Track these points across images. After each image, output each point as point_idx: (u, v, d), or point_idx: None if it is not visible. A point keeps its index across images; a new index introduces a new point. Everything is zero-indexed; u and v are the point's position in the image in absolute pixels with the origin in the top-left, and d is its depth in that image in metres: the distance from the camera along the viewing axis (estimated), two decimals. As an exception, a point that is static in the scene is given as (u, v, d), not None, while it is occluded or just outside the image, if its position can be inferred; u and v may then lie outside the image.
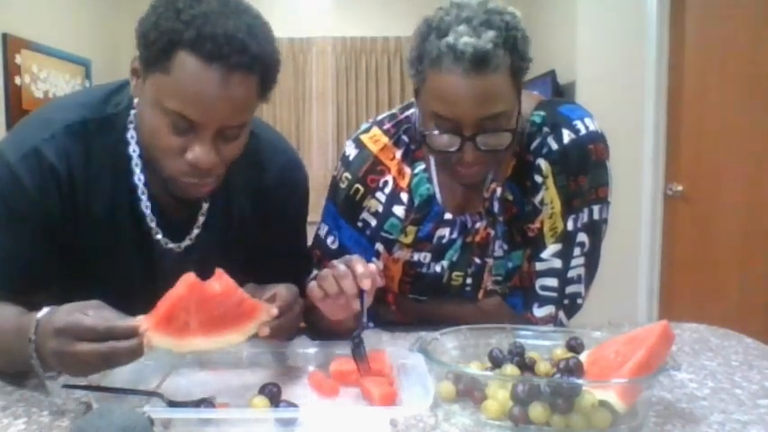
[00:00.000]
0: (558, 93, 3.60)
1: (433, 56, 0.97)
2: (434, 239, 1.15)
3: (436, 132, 1.01)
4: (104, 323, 0.72)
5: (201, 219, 1.04)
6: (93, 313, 0.74)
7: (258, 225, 1.09)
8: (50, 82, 3.87)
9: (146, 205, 0.98)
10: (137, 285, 1.03)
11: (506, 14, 0.98)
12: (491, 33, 0.95)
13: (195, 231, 1.04)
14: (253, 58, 0.83)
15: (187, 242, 1.03)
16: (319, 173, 5.04)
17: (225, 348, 0.83)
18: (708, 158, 3.10)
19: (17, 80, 3.55)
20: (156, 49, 0.82)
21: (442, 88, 0.97)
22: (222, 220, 1.06)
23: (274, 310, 0.81)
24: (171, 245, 1.02)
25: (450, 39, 0.95)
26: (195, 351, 0.81)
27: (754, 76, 2.86)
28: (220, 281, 0.78)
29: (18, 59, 3.54)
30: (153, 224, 0.99)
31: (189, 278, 0.76)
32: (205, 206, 1.04)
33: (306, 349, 0.96)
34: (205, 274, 1.02)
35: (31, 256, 0.94)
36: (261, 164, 1.07)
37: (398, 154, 1.17)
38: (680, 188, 3.20)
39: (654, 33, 3.21)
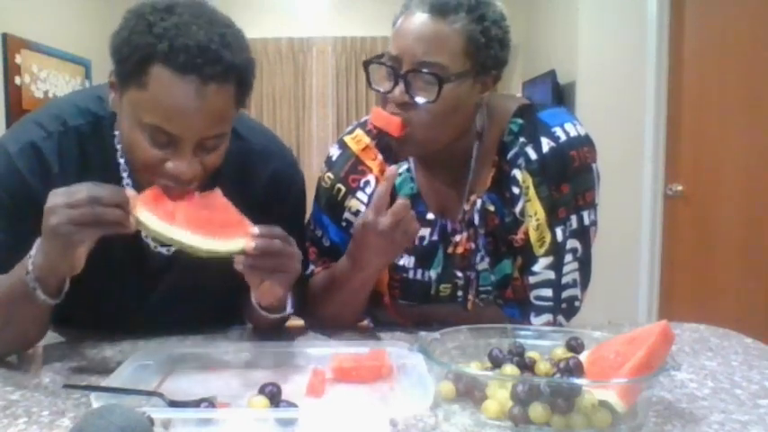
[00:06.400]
0: (558, 93, 3.61)
1: (405, 2, 1.03)
2: (416, 239, 1.13)
3: (376, 67, 1.05)
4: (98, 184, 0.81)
5: None
6: None
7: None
8: (50, 82, 3.87)
9: None
10: (130, 288, 1.06)
11: None
12: None
13: None
14: (227, 68, 0.83)
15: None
16: (319, 173, 5.04)
17: (211, 252, 0.84)
18: (708, 158, 3.10)
19: (17, 80, 3.55)
20: (131, 64, 0.82)
21: (399, 26, 1.02)
22: None
23: (255, 229, 0.84)
24: (159, 248, 1.04)
25: None
26: (180, 244, 0.82)
27: (754, 76, 2.86)
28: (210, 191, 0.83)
29: (18, 59, 3.54)
30: None
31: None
32: None
33: (306, 349, 0.96)
34: (194, 277, 1.04)
35: (32, 240, 0.95)
36: (250, 171, 1.07)
37: (381, 155, 1.17)
38: (680, 188, 3.20)
39: (654, 33, 3.21)
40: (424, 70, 0.98)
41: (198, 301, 1.07)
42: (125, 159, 1.00)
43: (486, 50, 1.01)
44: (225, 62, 0.83)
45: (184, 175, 0.86)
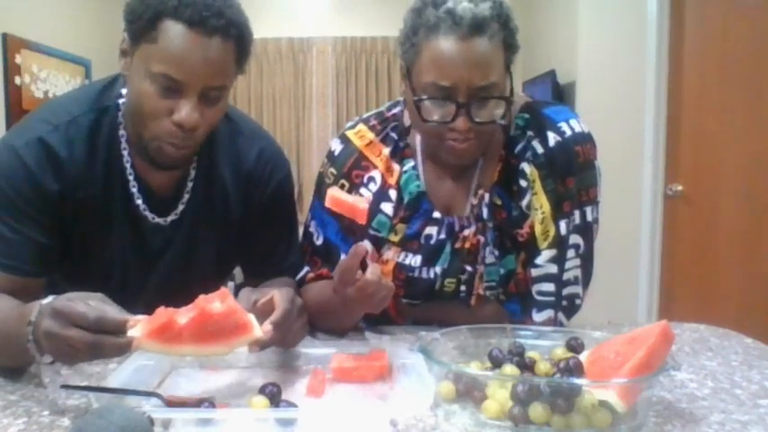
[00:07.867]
0: (558, 93, 3.60)
1: (431, 24, 0.98)
2: (422, 238, 1.13)
3: (430, 102, 1.00)
4: (96, 312, 0.73)
5: (186, 196, 1.10)
6: (93, 303, 0.75)
7: (242, 206, 1.15)
8: (50, 82, 3.87)
9: (133, 184, 1.06)
10: (131, 268, 1.11)
11: None
12: (488, 3, 0.98)
13: (180, 207, 1.10)
14: (229, 23, 0.93)
15: (173, 217, 1.10)
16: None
17: (210, 356, 0.85)
18: (708, 158, 3.10)
19: (17, 80, 3.55)
20: (143, 21, 0.91)
21: (438, 54, 0.97)
22: (206, 199, 1.12)
23: (268, 326, 0.82)
24: (157, 219, 1.08)
25: (449, 4, 0.97)
26: (181, 354, 0.82)
27: (754, 76, 2.86)
28: (223, 302, 0.79)
29: (18, 59, 3.54)
30: (140, 201, 1.06)
31: (200, 301, 0.78)
32: (190, 184, 1.10)
33: (306, 349, 0.96)
34: (193, 248, 1.11)
35: (34, 236, 0.99)
36: (241, 147, 1.15)
37: (386, 151, 1.16)
38: (680, 188, 3.20)
39: (654, 33, 3.21)
40: (484, 94, 0.98)
41: (196, 281, 1.08)
42: (127, 136, 1.04)
43: (514, 51, 1.03)
44: (227, 17, 0.93)
45: (188, 121, 0.93)
